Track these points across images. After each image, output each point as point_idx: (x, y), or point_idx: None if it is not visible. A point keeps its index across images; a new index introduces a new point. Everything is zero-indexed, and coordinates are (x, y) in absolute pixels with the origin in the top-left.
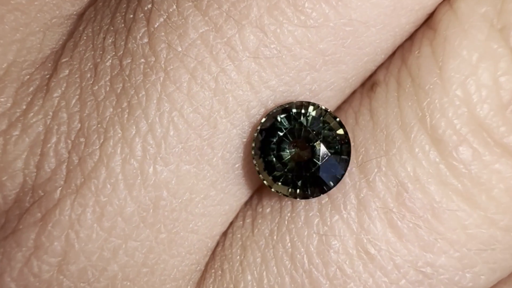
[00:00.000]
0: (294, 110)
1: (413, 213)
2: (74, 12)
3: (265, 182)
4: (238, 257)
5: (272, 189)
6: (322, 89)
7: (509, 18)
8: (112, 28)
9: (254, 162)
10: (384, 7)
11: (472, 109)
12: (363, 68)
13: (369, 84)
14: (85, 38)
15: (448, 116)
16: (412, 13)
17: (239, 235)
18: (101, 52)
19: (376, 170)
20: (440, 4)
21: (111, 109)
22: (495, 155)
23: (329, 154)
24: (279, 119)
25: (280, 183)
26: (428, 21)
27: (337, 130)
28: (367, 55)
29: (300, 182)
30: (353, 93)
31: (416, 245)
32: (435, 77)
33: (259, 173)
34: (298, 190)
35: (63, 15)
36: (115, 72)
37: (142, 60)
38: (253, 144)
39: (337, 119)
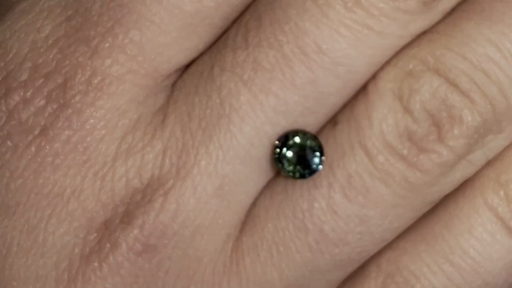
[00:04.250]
0: (298, 136)
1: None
2: (169, 84)
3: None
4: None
5: (283, 173)
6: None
7: (408, 91)
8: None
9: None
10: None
11: (389, 141)
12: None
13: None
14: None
15: (380, 148)
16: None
17: (265, 207)
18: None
19: (346, 174)
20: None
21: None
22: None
23: (314, 154)
24: (290, 138)
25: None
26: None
27: (318, 146)
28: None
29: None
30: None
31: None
32: (368, 128)
33: (277, 164)
34: (299, 173)
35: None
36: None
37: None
38: (276, 150)
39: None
